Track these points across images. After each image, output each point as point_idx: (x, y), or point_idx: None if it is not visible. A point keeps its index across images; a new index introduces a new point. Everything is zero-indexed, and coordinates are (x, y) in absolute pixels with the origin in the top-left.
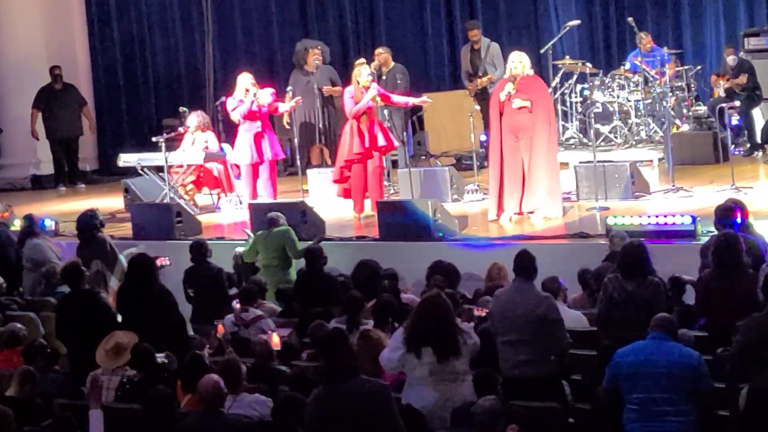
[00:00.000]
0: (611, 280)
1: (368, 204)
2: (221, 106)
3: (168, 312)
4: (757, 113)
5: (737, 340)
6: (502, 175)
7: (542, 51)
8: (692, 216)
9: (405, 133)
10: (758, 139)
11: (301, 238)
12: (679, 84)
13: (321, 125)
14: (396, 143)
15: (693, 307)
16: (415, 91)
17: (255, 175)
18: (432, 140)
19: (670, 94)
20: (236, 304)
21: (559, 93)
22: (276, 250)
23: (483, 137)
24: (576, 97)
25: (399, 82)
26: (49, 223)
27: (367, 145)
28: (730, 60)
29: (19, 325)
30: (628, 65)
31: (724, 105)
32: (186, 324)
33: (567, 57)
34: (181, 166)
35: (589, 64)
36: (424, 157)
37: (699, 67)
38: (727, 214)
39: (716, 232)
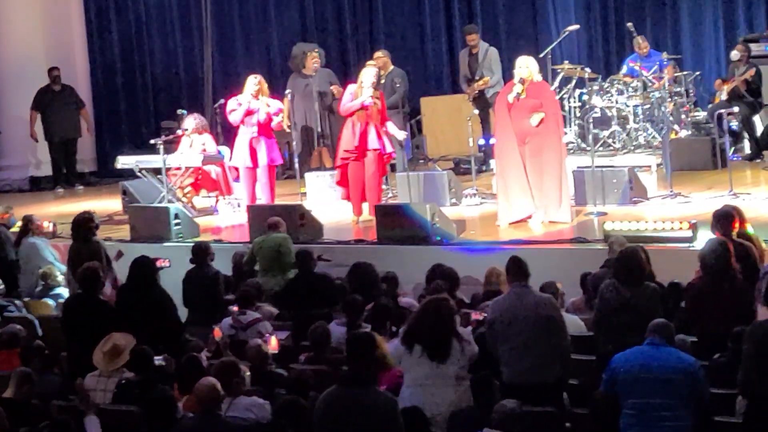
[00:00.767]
0: (608, 286)
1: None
2: (220, 108)
3: (167, 314)
4: (757, 119)
5: (745, 349)
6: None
7: (541, 56)
8: (690, 222)
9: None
10: (759, 145)
11: (299, 241)
12: (678, 89)
13: (320, 129)
14: (390, 148)
15: (684, 313)
16: (414, 95)
17: (253, 178)
18: (430, 144)
19: (669, 99)
20: (233, 308)
21: (557, 98)
22: (272, 255)
23: (481, 141)
24: (575, 102)
25: (398, 86)
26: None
27: (356, 143)
28: (734, 55)
29: (17, 326)
30: (625, 69)
31: (722, 111)
32: (183, 327)
33: (566, 62)
34: (179, 169)
35: (587, 69)
36: (422, 161)
37: (698, 73)
38: (725, 219)
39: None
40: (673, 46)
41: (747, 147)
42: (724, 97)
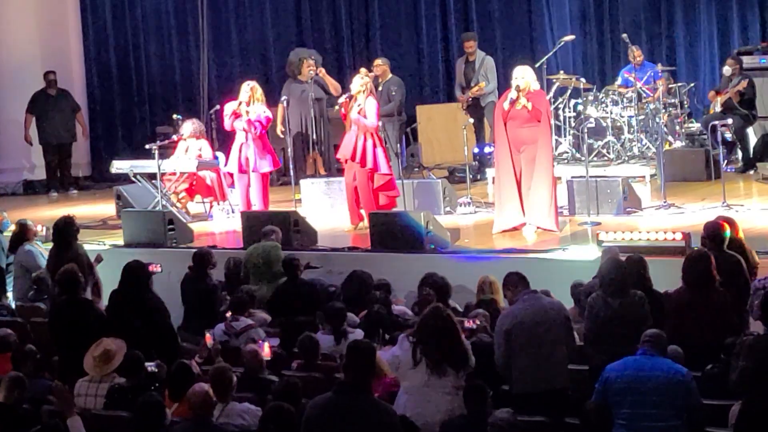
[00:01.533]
0: (595, 300)
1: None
2: (215, 114)
3: (159, 320)
4: (750, 131)
5: (742, 363)
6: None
7: (537, 65)
8: (683, 232)
9: (399, 145)
10: (752, 156)
11: (293, 248)
12: (672, 101)
13: (315, 135)
14: (384, 169)
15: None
16: (410, 103)
17: (246, 184)
18: (425, 152)
19: (663, 110)
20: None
21: (552, 108)
22: (261, 264)
23: (476, 150)
24: (569, 112)
25: (393, 94)
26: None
27: (349, 153)
28: (726, 70)
29: (8, 331)
30: (620, 80)
31: (716, 122)
32: (176, 332)
33: (561, 72)
34: (174, 174)
35: (583, 80)
36: (417, 169)
37: (692, 84)
38: (715, 230)
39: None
40: (667, 57)
41: (741, 158)
42: (718, 108)
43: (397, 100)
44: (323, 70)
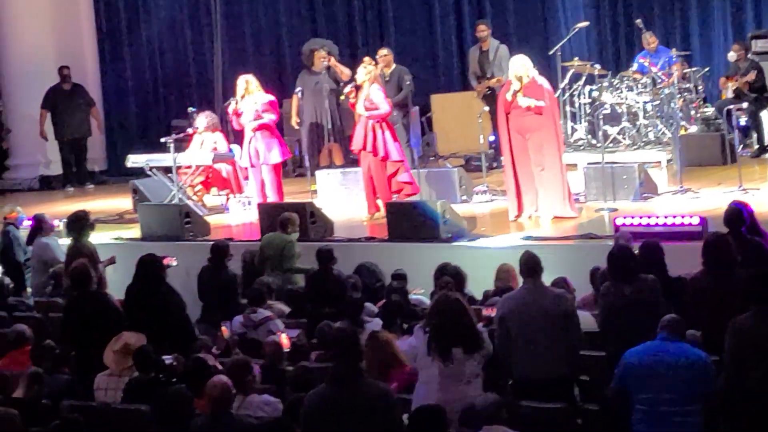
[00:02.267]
0: (607, 288)
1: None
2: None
3: (175, 313)
4: (765, 115)
5: (726, 344)
6: (516, 174)
7: (551, 53)
8: (700, 217)
9: (412, 134)
10: (766, 141)
11: (309, 239)
12: (687, 86)
13: (330, 126)
14: (396, 156)
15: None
16: (424, 92)
17: (260, 177)
18: (441, 141)
19: (678, 95)
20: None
21: (567, 94)
22: (275, 255)
23: (492, 138)
24: (584, 98)
25: (408, 83)
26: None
27: (361, 143)
28: (730, 56)
29: (23, 326)
30: (635, 66)
31: (731, 106)
32: (192, 325)
33: (575, 59)
34: (189, 167)
35: (597, 66)
36: (432, 158)
37: (707, 69)
38: (735, 216)
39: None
40: (682, 42)
41: (756, 142)
42: (730, 95)
43: (409, 89)
44: (333, 59)
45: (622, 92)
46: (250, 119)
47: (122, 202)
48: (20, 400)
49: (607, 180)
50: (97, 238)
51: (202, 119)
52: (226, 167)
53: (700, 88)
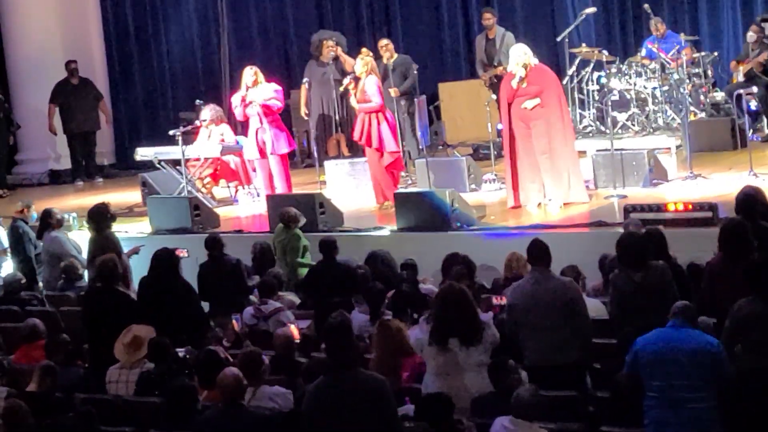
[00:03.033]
0: (617, 275)
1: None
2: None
3: (190, 305)
4: None
5: (725, 326)
6: (515, 163)
7: (559, 39)
8: (711, 203)
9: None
10: None
11: (318, 230)
12: (696, 71)
13: (338, 117)
14: (391, 147)
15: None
16: (432, 81)
17: (267, 168)
18: (449, 130)
19: (687, 81)
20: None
21: (575, 81)
22: (282, 249)
23: (500, 126)
24: (593, 85)
25: (415, 72)
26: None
27: (358, 135)
28: (750, 36)
29: (36, 320)
30: (644, 51)
31: (741, 91)
32: (207, 318)
33: (583, 45)
34: (198, 160)
35: (605, 52)
36: (441, 147)
37: (715, 54)
38: (748, 201)
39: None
40: (690, 27)
41: (766, 127)
42: (740, 78)
43: (415, 78)
44: (340, 49)
45: (630, 78)
46: (257, 108)
47: (131, 196)
48: (33, 393)
49: (616, 167)
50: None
51: (207, 112)
52: (234, 159)
53: (709, 73)
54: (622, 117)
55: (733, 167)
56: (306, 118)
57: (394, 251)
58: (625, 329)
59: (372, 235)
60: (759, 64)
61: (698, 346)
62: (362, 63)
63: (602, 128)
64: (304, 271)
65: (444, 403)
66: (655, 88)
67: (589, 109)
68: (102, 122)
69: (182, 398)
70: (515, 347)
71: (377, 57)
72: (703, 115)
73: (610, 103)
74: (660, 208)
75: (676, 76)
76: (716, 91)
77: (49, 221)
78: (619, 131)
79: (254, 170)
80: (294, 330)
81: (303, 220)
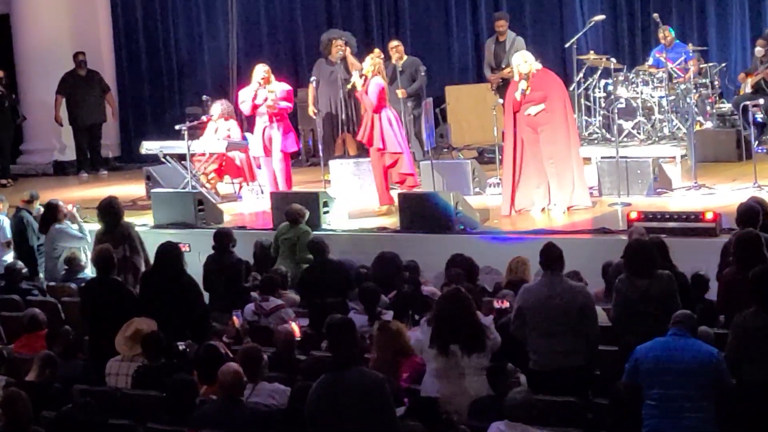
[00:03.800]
0: (622, 281)
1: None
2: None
3: (193, 301)
4: None
5: (729, 338)
6: (515, 171)
7: (567, 45)
8: (714, 213)
9: (426, 125)
10: None
11: (321, 229)
12: (703, 81)
13: (344, 116)
14: (393, 147)
15: (715, 304)
16: (438, 84)
17: (272, 166)
18: (455, 133)
19: (694, 91)
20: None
21: (582, 88)
22: (291, 246)
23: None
24: (600, 92)
25: (423, 74)
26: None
27: (361, 135)
28: (758, 51)
29: (37, 310)
30: (651, 60)
31: (748, 102)
32: (209, 313)
33: (591, 52)
34: (203, 155)
35: (613, 60)
36: (446, 150)
37: (723, 65)
38: (751, 212)
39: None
40: (699, 37)
41: None
42: (748, 90)
43: (424, 80)
44: (348, 50)
45: (637, 86)
46: (268, 108)
47: (136, 189)
48: (32, 383)
49: (621, 174)
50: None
51: (217, 107)
52: (239, 155)
53: (716, 83)
54: (628, 125)
55: (738, 178)
56: (314, 116)
57: (396, 252)
58: (626, 337)
59: (374, 235)
60: None
61: (698, 356)
62: (371, 62)
63: (608, 135)
64: None
65: (431, 406)
66: (661, 97)
67: (595, 116)
68: (108, 115)
69: (182, 392)
70: (517, 351)
71: (387, 58)
72: (708, 125)
73: (616, 111)
74: (665, 216)
75: (682, 86)
76: (723, 101)
77: (53, 213)
78: (625, 139)
79: (259, 167)
80: (295, 327)
81: (308, 213)
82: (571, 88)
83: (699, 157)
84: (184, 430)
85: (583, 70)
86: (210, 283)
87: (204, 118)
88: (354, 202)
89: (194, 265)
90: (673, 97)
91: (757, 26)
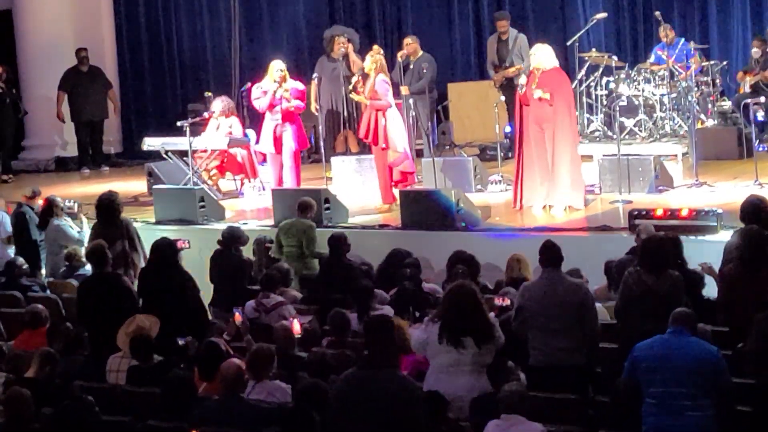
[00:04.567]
0: (631, 274)
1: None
2: (246, 92)
3: (189, 296)
4: None
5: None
6: (522, 166)
7: (568, 43)
8: (715, 211)
9: (429, 123)
10: None
11: (323, 226)
12: (705, 79)
13: (346, 113)
14: (382, 142)
15: (716, 301)
16: (441, 81)
17: (279, 163)
18: (457, 130)
19: (696, 88)
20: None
21: (584, 86)
22: (296, 240)
23: (508, 128)
24: (601, 90)
25: (425, 71)
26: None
27: (363, 132)
28: (755, 53)
29: (40, 306)
30: (653, 58)
31: (749, 100)
32: (206, 310)
33: (593, 50)
34: (205, 151)
35: (615, 57)
36: (448, 147)
37: (725, 63)
38: (755, 209)
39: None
40: (700, 35)
41: None
42: (747, 89)
43: (428, 78)
44: (351, 47)
45: (639, 84)
46: (284, 107)
47: (137, 185)
48: (32, 379)
49: (622, 172)
50: None
51: (218, 103)
52: (241, 152)
53: (717, 81)
54: (629, 122)
55: (739, 176)
56: (317, 113)
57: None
58: (627, 331)
59: (376, 232)
60: (766, 77)
61: (697, 354)
62: (371, 60)
63: (609, 133)
64: (316, 263)
65: (439, 400)
66: (663, 95)
67: (596, 114)
68: (110, 111)
69: (179, 390)
70: (518, 348)
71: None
72: (710, 123)
73: (618, 109)
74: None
75: (684, 84)
76: (724, 99)
77: (52, 209)
78: (626, 137)
79: (261, 163)
80: (296, 325)
81: (315, 208)
82: (572, 86)
83: (700, 154)
84: (184, 427)
85: (585, 68)
86: (214, 277)
87: (206, 114)
88: (356, 198)
89: (194, 262)
90: (674, 95)
91: (758, 24)
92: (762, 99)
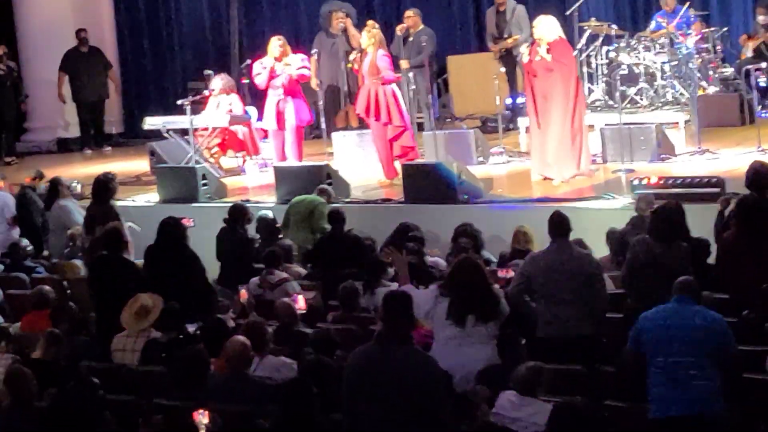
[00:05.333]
0: (639, 242)
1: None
2: (247, 69)
3: (196, 275)
4: None
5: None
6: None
7: (568, 13)
8: (718, 178)
9: (430, 96)
10: None
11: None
12: (705, 46)
13: (346, 88)
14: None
15: (715, 268)
16: (441, 54)
17: (281, 139)
18: (457, 103)
19: (696, 55)
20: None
21: (584, 55)
22: (304, 214)
23: (508, 100)
24: (602, 59)
25: (424, 44)
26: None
27: (364, 107)
28: (761, 19)
29: (47, 288)
30: (653, 25)
31: (750, 66)
32: (214, 287)
33: (593, 19)
34: (206, 129)
35: (614, 26)
36: (449, 120)
37: (725, 29)
38: (760, 175)
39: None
40: (700, 2)
41: None
42: (749, 53)
43: (428, 52)
44: (350, 21)
45: (639, 53)
46: (285, 82)
47: (139, 164)
48: (38, 360)
49: (624, 141)
50: None
51: (218, 81)
52: (242, 129)
53: (718, 48)
54: (630, 91)
55: (741, 143)
56: (317, 89)
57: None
58: (633, 298)
59: (378, 206)
60: None
61: (701, 323)
62: (368, 36)
63: (611, 102)
64: None
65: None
66: (663, 63)
67: (597, 83)
68: (111, 91)
69: (194, 365)
70: (522, 318)
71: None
72: (711, 90)
73: (618, 78)
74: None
75: (684, 51)
76: (725, 66)
77: (57, 190)
78: (628, 105)
79: (263, 139)
80: (301, 301)
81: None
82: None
83: (702, 122)
84: (190, 405)
85: (585, 38)
86: (221, 255)
87: (205, 92)
88: (357, 174)
89: (199, 240)
90: (675, 63)
91: None
92: (763, 65)
